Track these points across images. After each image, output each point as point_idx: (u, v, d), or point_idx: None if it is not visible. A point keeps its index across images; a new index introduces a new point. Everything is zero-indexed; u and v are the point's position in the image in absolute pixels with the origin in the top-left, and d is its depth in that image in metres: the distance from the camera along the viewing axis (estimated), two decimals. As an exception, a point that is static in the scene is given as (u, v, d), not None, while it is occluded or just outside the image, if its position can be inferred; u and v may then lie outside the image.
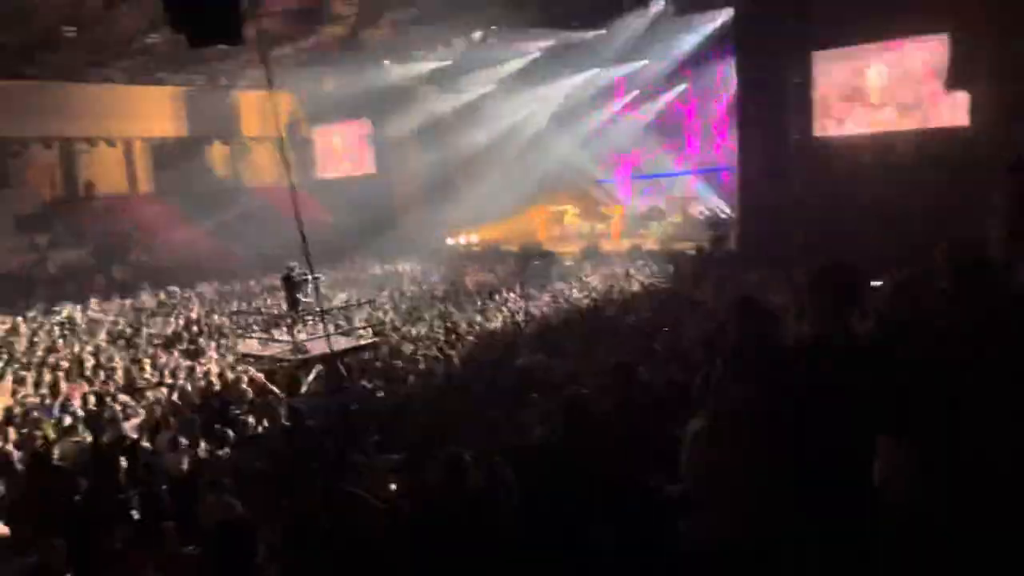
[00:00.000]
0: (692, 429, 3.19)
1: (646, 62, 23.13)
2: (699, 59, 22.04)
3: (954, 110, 15.75)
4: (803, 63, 17.43)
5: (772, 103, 17.62)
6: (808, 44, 17.22)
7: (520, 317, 14.06)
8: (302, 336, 11.88)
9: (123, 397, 10.21)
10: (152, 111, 28.81)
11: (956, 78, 14.67)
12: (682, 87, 23.76)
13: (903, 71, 16.68)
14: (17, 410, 9.87)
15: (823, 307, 2.76)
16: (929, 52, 15.95)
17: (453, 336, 12.86)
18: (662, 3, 19.82)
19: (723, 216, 21.73)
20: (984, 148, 13.91)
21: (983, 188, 9.12)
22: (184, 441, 7.61)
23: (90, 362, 12.64)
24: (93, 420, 9.11)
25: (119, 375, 11.80)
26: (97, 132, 27.81)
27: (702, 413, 3.20)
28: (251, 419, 8.78)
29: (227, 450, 7.68)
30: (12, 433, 8.66)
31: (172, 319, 16.68)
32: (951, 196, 13.51)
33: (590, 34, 21.70)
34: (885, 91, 16.98)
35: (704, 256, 18.49)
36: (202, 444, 7.79)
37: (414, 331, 13.84)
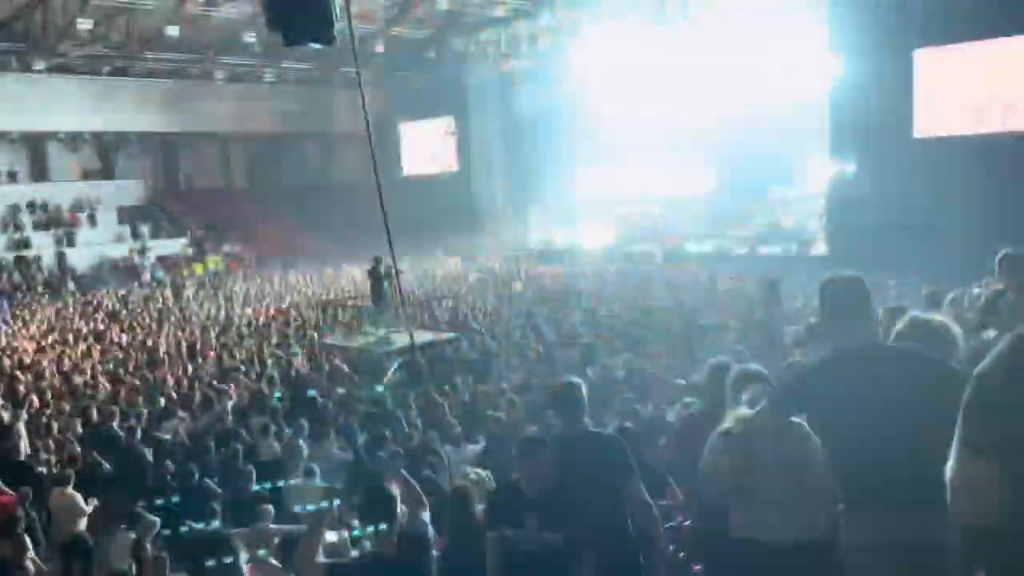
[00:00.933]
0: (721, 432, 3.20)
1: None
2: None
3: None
4: (905, 60, 16.77)
5: (872, 101, 17.01)
6: (910, 41, 16.54)
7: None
8: (384, 329, 12.13)
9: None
10: (249, 108, 29.83)
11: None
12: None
13: (1010, 70, 15.84)
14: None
15: None
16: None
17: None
18: None
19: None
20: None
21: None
22: (274, 428, 7.87)
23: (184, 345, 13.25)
24: (187, 402, 9.51)
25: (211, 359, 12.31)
26: (197, 128, 29.02)
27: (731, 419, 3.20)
28: (330, 406, 9.01)
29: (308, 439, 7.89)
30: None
31: (262, 306, 17.34)
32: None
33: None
34: (990, 91, 16.16)
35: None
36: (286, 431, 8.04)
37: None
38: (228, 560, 5.23)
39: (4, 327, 16.08)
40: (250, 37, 23.48)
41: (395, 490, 3.69)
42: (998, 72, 16.03)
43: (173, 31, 22.25)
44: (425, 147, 30.91)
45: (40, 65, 23.37)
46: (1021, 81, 15.75)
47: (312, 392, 9.52)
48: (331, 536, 4.32)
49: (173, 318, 16.64)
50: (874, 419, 2.47)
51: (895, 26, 16.27)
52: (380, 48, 25.11)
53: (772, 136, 20.78)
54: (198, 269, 25.49)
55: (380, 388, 10.10)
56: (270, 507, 5.66)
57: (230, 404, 8.95)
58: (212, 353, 12.73)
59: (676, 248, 22.69)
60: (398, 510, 3.56)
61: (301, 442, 7.33)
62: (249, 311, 17.05)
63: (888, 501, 2.47)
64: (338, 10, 7.23)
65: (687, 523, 4.34)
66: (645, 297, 15.84)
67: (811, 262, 17.64)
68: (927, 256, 13.57)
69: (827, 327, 2.91)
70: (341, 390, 9.81)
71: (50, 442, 8.18)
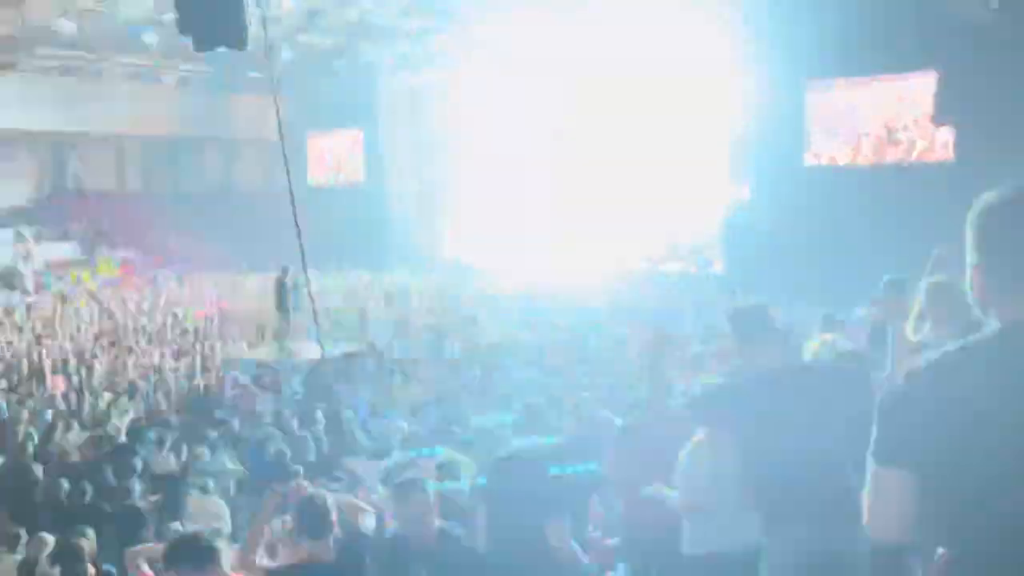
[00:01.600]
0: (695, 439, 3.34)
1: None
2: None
3: (940, 144, 16.11)
4: (796, 90, 17.70)
5: (763, 128, 17.89)
6: (801, 72, 17.48)
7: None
8: (290, 341, 11.91)
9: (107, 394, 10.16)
10: (148, 109, 28.74)
11: (943, 113, 14.97)
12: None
13: (893, 104, 16.98)
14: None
15: None
16: (919, 87, 16.23)
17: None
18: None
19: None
20: (970, 183, 14.13)
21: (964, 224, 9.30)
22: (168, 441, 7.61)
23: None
24: (76, 416, 9.08)
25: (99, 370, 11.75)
26: (89, 127, 27.73)
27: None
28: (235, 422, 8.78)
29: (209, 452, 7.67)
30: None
31: (159, 316, 16.65)
32: (934, 230, 13.71)
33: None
34: (875, 123, 17.26)
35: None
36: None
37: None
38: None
39: None
40: (150, 37, 22.67)
41: (330, 501, 3.58)
42: (880, 107, 17.16)
43: (67, 27, 21.27)
44: (331, 158, 30.49)
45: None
46: (899, 116, 16.87)
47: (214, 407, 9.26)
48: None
49: (60, 326, 15.79)
50: (796, 434, 2.64)
51: (789, 57, 17.18)
52: (288, 55, 24.67)
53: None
54: (86, 276, 24.26)
55: (282, 402, 9.91)
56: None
57: (126, 417, 8.60)
58: (101, 363, 12.16)
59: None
60: (334, 519, 3.49)
61: (203, 456, 7.12)
62: (144, 320, 16.38)
63: (808, 515, 2.63)
64: (250, 15, 7.14)
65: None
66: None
67: (709, 281, 18.37)
68: (815, 280, 14.34)
69: (740, 351, 3.10)
70: (241, 404, 9.59)
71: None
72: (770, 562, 2.75)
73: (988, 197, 1.56)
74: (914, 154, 16.75)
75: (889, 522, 1.58)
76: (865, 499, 1.60)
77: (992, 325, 1.54)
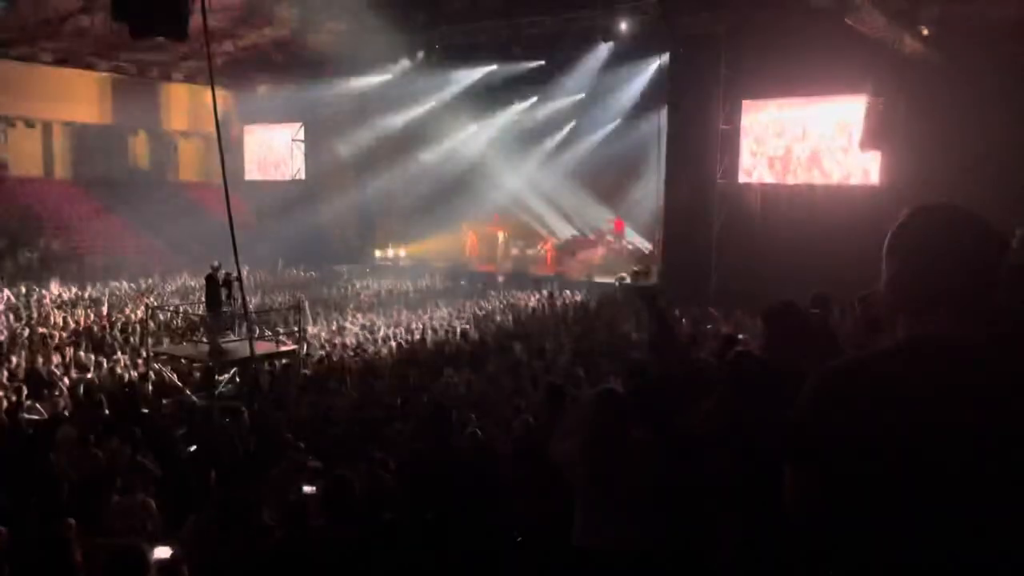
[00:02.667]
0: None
1: (582, 95, 23.77)
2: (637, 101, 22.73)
3: (866, 169, 16.77)
4: (732, 110, 18.17)
5: (699, 146, 18.30)
6: (738, 93, 17.95)
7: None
8: (221, 337, 11.66)
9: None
10: (77, 95, 27.82)
11: (871, 138, 15.52)
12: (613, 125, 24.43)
13: (823, 127, 17.59)
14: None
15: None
16: (848, 111, 16.84)
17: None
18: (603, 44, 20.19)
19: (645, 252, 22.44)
20: (893, 207, 14.70)
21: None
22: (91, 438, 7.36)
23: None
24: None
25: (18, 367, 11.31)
26: (16, 112, 26.70)
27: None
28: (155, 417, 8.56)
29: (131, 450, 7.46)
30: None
31: (83, 313, 16.09)
32: (857, 252, 14.23)
33: (532, 64, 22.10)
34: (806, 144, 17.83)
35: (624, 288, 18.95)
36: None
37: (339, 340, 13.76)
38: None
39: None
40: (84, 22, 21.97)
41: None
42: (814, 128, 17.75)
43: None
44: (270, 153, 30.04)
45: None
46: (832, 139, 17.48)
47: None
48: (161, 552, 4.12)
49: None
50: None
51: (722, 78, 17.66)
52: (229, 47, 24.23)
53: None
54: (8, 266, 23.28)
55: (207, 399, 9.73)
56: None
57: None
58: (22, 359, 11.71)
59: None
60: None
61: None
62: (71, 313, 15.85)
63: None
64: (189, 4, 6.99)
65: None
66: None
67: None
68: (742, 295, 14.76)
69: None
70: (167, 400, 9.37)
71: None
72: None
73: (899, 217, 1.64)
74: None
75: (800, 514, 1.65)
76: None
77: (897, 338, 1.61)
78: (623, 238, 24.47)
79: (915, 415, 1.48)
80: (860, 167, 16.95)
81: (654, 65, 20.81)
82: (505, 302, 18.18)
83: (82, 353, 12.32)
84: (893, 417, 1.49)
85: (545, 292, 19.00)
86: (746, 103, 18.19)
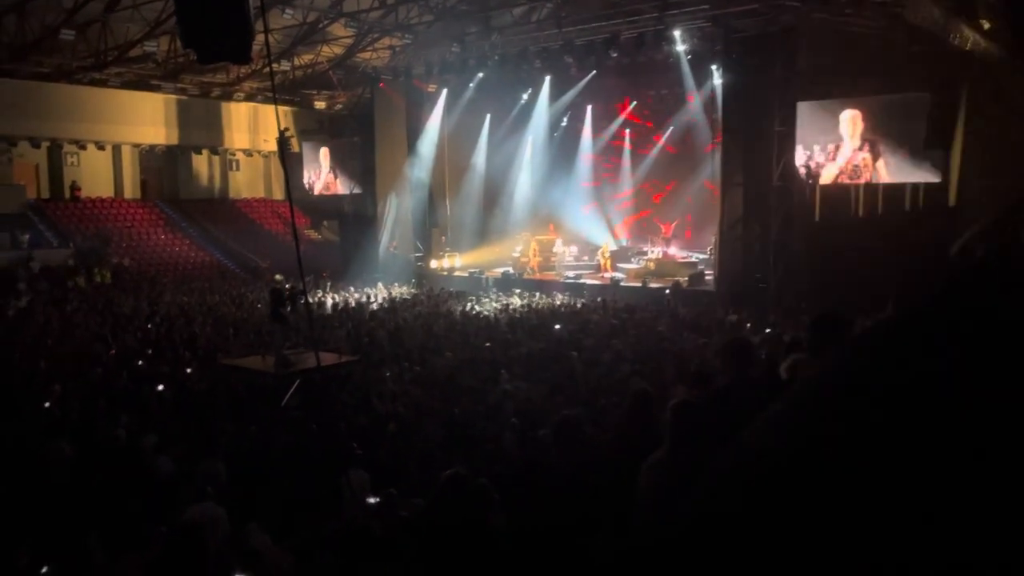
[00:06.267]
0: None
1: (635, 103, 23.78)
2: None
3: (929, 167, 16.38)
4: (788, 111, 17.95)
5: (755, 148, 18.11)
6: (794, 94, 17.73)
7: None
8: (286, 350, 11.96)
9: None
10: (143, 118, 28.90)
11: (935, 136, 15.21)
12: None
13: (884, 126, 17.22)
14: None
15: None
16: (909, 109, 16.47)
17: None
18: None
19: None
20: (957, 205, 14.40)
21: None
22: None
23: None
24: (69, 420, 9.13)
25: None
26: (88, 136, 27.85)
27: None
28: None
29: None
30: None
31: (150, 327, 16.68)
32: (920, 251, 13.96)
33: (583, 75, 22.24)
34: (865, 144, 17.49)
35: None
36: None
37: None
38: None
39: None
40: (151, 47, 22.88)
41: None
42: (873, 127, 17.42)
43: (67, 34, 21.47)
44: (327, 168, 30.69)
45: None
46: (891, 137, 17.13)
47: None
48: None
49: (55, 331, 15.86)
50: None
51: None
52: (286, 67, 24.93)
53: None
54: (80, 282, 24.28)
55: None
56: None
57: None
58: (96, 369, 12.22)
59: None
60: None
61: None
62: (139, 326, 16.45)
63: None
64: (255, 29, 7.26)
65: None
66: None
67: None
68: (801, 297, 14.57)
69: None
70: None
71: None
72: None
73: None
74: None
75: None
76: None
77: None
78: (674, 243, 24.29)
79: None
80: (922, 165, 16.55)
81: (708, 69, 20.59)
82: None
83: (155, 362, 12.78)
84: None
85: (600, 299, 18.96)
86: (801, 104, 17.94)
